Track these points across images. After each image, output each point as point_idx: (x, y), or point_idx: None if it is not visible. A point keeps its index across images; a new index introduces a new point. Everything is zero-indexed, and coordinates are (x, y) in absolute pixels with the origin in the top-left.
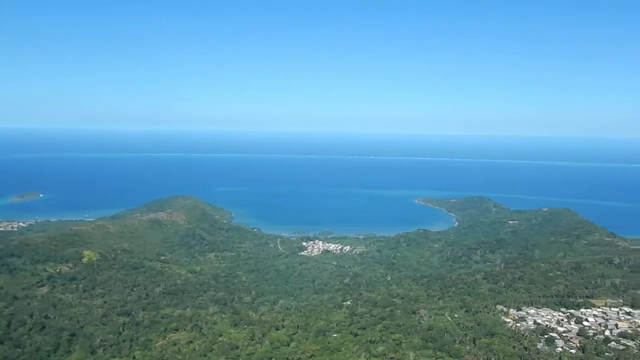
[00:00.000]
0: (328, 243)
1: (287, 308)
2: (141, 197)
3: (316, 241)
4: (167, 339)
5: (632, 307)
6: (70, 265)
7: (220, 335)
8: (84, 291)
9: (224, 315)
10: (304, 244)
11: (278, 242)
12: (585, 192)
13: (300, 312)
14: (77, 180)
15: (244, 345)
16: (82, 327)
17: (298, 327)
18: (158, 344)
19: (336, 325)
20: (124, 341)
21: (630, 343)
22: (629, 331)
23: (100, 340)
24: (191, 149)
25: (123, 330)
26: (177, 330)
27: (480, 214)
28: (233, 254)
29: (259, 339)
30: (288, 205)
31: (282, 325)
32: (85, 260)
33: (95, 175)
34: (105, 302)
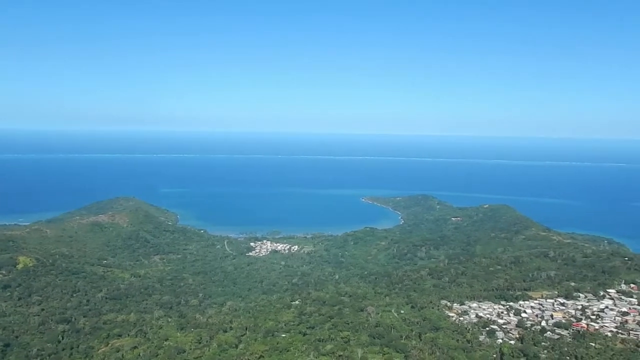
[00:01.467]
0: (276, 243)
1: (235, 309)
2: (81, 199)
3: (264, 241)
4: (109, 345)
5: (566, 298)
6: (4, 272)
7: (166, 340)
8: (19, 299)
9: (170, 319)
10: (252, 244)
11: (225, 243)
12: (523, 190)
13: (249, 313)
14: (11, 183)
15: (190, 349)
16: (17, 337)
17: (246, 328)
18: (100, 351)
19: (285, 325)
20: (63, 350)
21: (564, 332)
22: (563, 321)
23: (38, 349)
24: (135, 149)
25: (62, 338)
26: (120, 336)
27: (425, 211)
28: (179, 256)
29: (207, 341)
30: (235, 206)
31: (230, 327)
32: (20, 266)
33: (31, 177)
34: (43, 309)
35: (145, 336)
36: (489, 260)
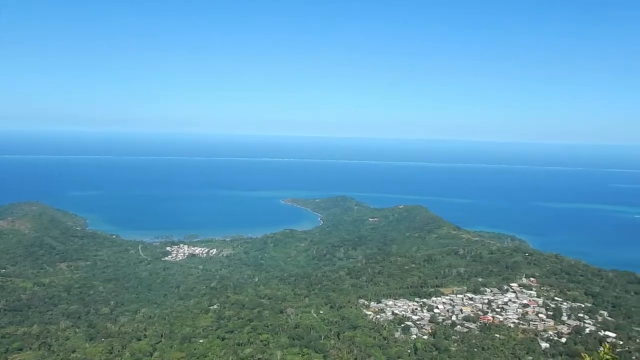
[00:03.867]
0: (194, 247)
1: (150, 317)
2: None
3: (181, 245)
4: None
5: (474, 292)
6: None
7: (74, 352)
8: None
9: (77, 330)
10: (168, 248)
11: (139, 248)
12: (436, 190)
13: (164, 319)
14: None
15: None
16: None
17: (162, 335)
18: None
19: (202, 330)
20: None
21: (473, 325)
22: (472, 315)
23: None
24: (42, 150)
25: None
26: (21, 350)
27: (344, 212)
28: (88, 262)
29: (119, 351)
30: (151, 209)
31: (145, 335)
32: None
33: None
34: None
35: (49, 349)
36: (404, 259)
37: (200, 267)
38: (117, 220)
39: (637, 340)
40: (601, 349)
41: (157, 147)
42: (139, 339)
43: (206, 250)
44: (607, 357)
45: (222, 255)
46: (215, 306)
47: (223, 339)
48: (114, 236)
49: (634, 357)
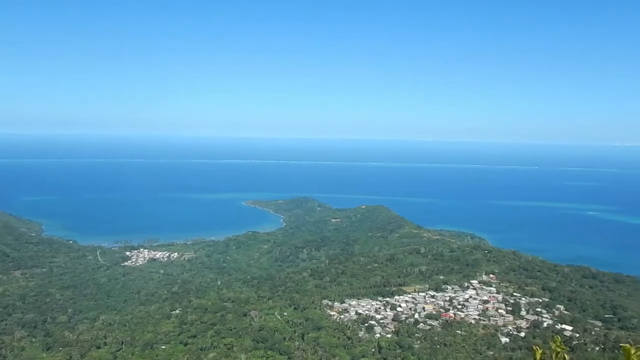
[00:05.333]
0: (154, 251)
1: (110, 323)
2: None
3: (141, 250)
4: None
5: (436, 290)
6: None
7: None
8: None
9: (34, 340)
10: (128, 253)
11: (98, 253)
12: (398, 190)
13: (125, 326)
14: None
15: None
16: None
17: (122, 342)
18: None
19: (165, 336)
20: None
21: (435, 323)
22: (434, 312)
23: None
24: None
25: None
26: None
27: (306, 213)
28: (44, 269)
29: None
30: (108, 214)
31: (104, 342)
32: None
33: None
34: None
35: None
36: (367, 258)
37: (162, 271)
38: (74, 226)
39: (592, 333)
40: (552, 342)
41: (117, 150)
42: (99, 347)
43: (167, 255)
44: (559, 349)
45: (184, 259)
46: (177, 311)
47: (186, 344)
48: (70, 242)
49: (589, 349)
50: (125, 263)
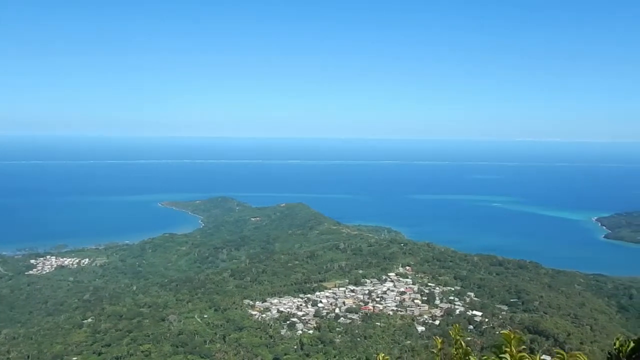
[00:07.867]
0: (63, 258)
1: (14, 337)
2: None
3: (48, 257)
4: None
5: (355, 284)
6: None
7: None
8: None
9: None
10: (33, 261)
11: None
12: (316, 187)
13: (31, 339)
14: None
15: None
16: None
17: (29, 357)
18: None
19: (76, 347)
20: None
21: (355, 316)
22: (354, 306)
23: None
24: None
25: None
26: None
27: (225, 213)
28: None
29: None
30: (9, 220)
31: (8, 358)
32: None
33: None
34: None
35: None
36: (288, 256)
37: (71, 279)
38: None
39: (500, 317)
40: (450, 330)
41: (24, 151)
42: None
43: (77, 261)
44: (457, 337)
45: (96, 264)
46: (89, 320)
47: (100, 354)
48: None
49: (497, 332)
50: (30, 272)
